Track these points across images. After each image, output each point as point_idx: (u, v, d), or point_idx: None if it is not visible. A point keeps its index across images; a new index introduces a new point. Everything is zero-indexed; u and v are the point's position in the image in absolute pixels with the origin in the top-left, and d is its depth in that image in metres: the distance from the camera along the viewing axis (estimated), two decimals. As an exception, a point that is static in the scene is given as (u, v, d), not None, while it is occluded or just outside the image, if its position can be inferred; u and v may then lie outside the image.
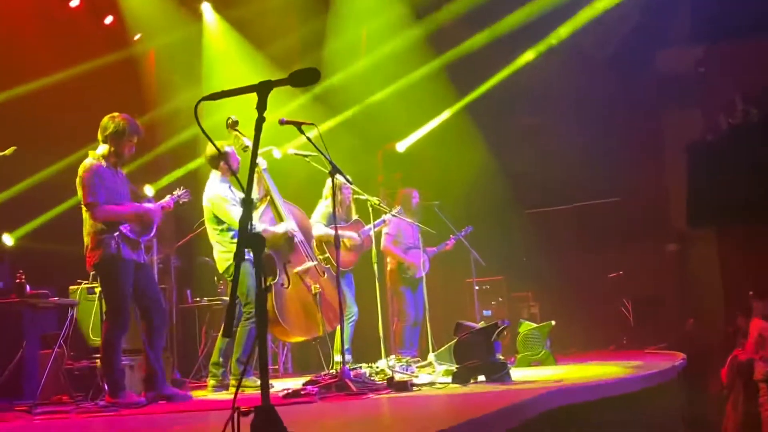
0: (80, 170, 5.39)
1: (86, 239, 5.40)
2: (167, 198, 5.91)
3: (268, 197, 6.31)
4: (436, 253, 8.77)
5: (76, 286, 6.87)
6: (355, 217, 7.79)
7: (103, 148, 5.50)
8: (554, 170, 10.69)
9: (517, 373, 5.89)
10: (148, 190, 8.60)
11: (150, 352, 5.46)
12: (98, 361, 5.74)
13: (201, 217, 6.55)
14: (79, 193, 5.38)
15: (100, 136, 5.51)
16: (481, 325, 5.97)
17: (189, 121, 9.33)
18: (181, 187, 6.07)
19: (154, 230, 5.67)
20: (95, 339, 6.49)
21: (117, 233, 5.35)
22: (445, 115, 10.97)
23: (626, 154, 10.67)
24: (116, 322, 5.32)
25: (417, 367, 6.78)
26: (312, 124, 5.44)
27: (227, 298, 8.10)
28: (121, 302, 5.34)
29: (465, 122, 10.96)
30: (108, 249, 5.31)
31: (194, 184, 7.02)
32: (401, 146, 10.84)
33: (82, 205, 5.40)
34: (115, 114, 5.52)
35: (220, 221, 6.23)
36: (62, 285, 6.99)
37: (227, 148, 6.28)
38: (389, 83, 10.52)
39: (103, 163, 5.44)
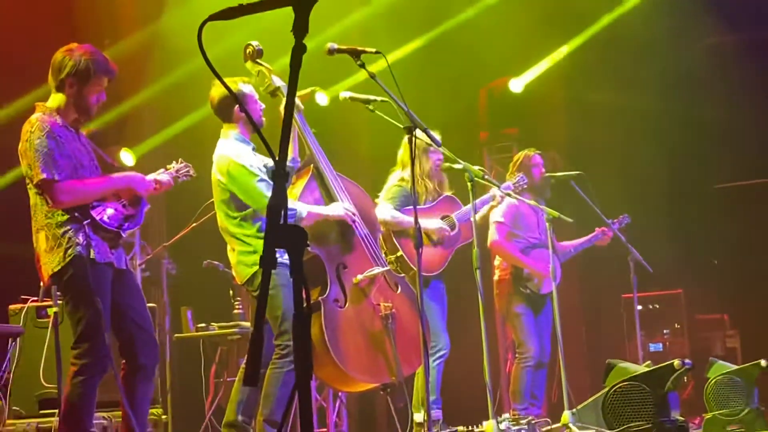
0: (25, 131, 5.41)
1: (38, 236, 5.46)
2: (161, 172, 5.93)
3: (312, 167, 6.33)
4: (576, 253, 8.69)
5: (19, 306, 7.01)
6: (446, 193, 7.76)
7: (57, 98, 5.57)
8: (762, 119, 10.46)
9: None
10: (126, 157, 8.71)
11: (130, 407, 5.52)
12: (56, 419, 5.83)
13: (207, 199, 6.59)
14: (25, 166, 5.42)
15: (52, 80, 5.57)
16: (646, 366, 5.92)
17: (189, 51, 9.41)
18: (180, 159, 6.08)
19: (143, 214, 5.71)
20: (50, 386, 6.61)
21: (87, 221, 5.40)
22: (586, 34, 10.83)
23: None
24: (89, 360, 5.36)
25: (545, 432, 6.78)
26: (378, 52, 5.46)
27: (249, 325, 8.18)
28: (96, 328, 5.36)
29: (616, 46, 10.80)
30: (73, 248, 5.35)
31: (194, 148, 7.07)
32: (517, 84, 10.75)
33: (30, 185, 5.47)
34: (73, 46, 5.54)
35: (240, 205, 6.20)
36: (-1, 305, 7.18)
37: (243, 87, 6.25)
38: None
39: (59, 119, 5.50)
